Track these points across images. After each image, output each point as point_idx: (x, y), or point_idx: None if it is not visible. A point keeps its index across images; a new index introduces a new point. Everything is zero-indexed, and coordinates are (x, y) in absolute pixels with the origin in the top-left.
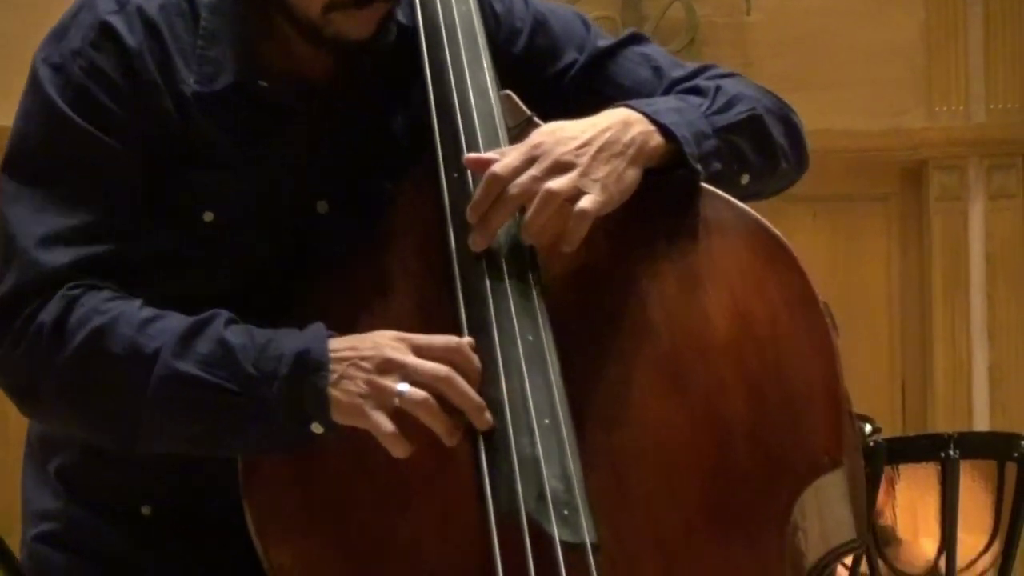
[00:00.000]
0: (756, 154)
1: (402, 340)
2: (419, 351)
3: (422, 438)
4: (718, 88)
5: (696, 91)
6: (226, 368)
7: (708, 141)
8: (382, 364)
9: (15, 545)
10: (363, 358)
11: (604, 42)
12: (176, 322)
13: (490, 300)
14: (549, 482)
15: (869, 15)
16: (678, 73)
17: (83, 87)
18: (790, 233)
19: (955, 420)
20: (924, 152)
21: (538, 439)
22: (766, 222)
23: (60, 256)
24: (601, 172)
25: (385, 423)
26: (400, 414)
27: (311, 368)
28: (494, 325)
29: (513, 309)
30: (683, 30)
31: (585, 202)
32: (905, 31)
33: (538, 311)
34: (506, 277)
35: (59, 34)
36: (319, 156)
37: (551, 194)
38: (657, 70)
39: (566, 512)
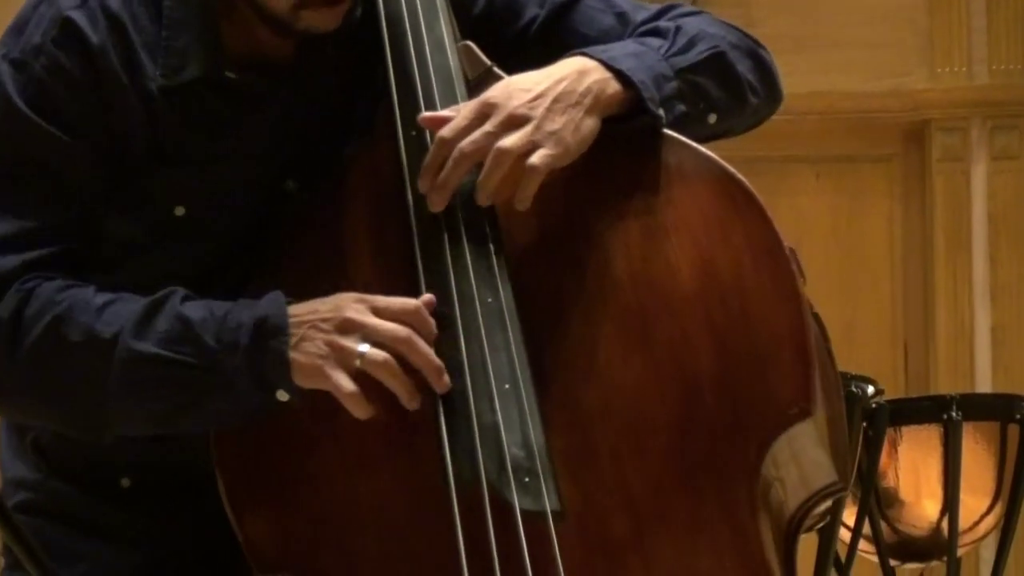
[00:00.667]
0: (722, 92)
1: (362, 301)
2: (379, 312)
3: (385, 404)
4: (678, 28)
5: (656, 32)
6: (187, 343)
7: (669, 83)
8: (342, 324)
9: None
10: (323, 320)
11: None
12: (132, 304)
13: (448, 261)
14: (509, 449)
15: None
16: (642, 16)
17: (44, 85)
18: (793, 194)
19: (957, 381)
20: (926, 113)
21: (498, 405)
22: (730, 168)
23: (12, 260)
24: (557, 124)
25: (346, 383)
26: (362, 376)
27: (271, 333)
28: (453, 287)
29: (471, 269)
30: None
31: (536, 158)
32: None
33: (496, 271)
34: (464, 237)
35: (19, 28)
36: (286, 139)
37: (503, 152)
38: (621, 16)
39: (527, 479)
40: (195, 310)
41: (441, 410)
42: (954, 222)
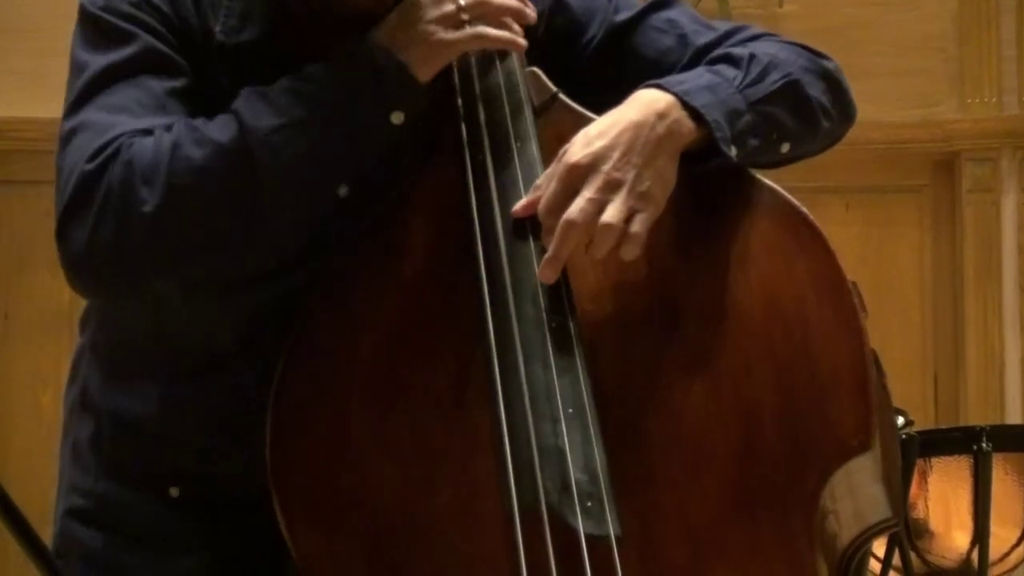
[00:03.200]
0: (796, 120)
1: None
2: None
3: (445, 424)
4: (752, 56)
5: (729, 60)
6: (295, 101)
7: (742, 118)
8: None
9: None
10: (414, 7)
11: (625, 13)
12: (238, 102)
13: (513, 284)
14: (574, 473)
15: (901, 5)
16: (705, 39)
17: (134, 17)
18: (823, 224)
19: (987, 412)
20: (956, 144)
21: (563, 428)
22: (795, 202)
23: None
24: (647, 182)
25: (457, 34)
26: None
27: (379, 48)
28: (515, 315)
29: (539, 295)
30: (714, 20)
31: (638, 225)
32: (937, 21)
33: (563, 295)
34: (533, 261)
35: None
36: None
37: (608, 227)
38: (682, 37)
39: (590, 504)
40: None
41: (505, 431)
42: (984, 253)
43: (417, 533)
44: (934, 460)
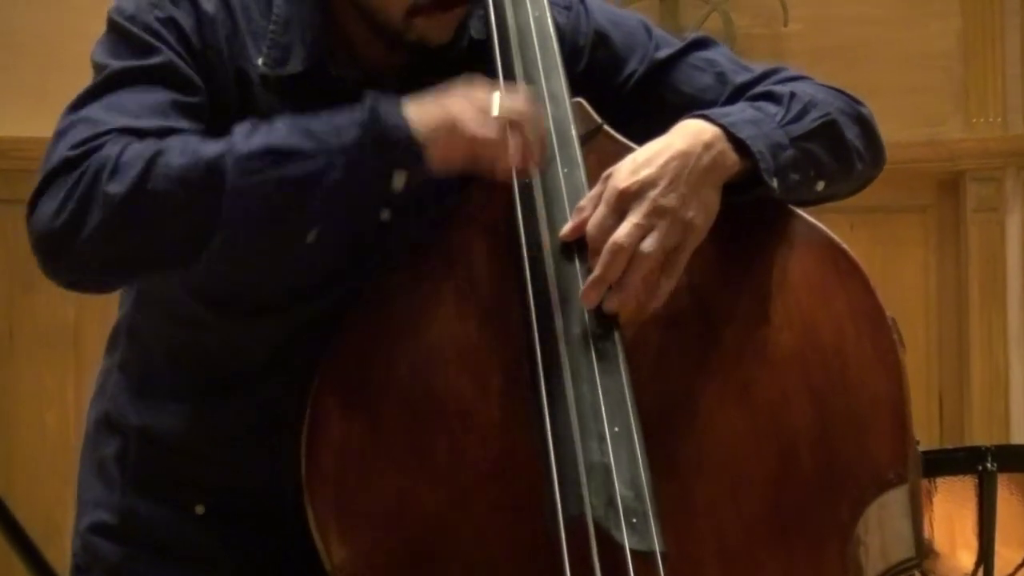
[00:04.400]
0: (832, 159)
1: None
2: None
3: (488, 443)
4: (792, 95)
5: (770, 97)
6: (299, 134)
7: (785, 153)
8: (464, 92)
9: (58, 544)
10: (441, 95)
11: (666, 50)
12: (237, 131)
13: (560, 305)
14: (619, 489)
15: (906, 25)
16: (743, 78)
17: (158, 32)
18: None
19: (992, 432)
20: (961, 163)
21: (609, 446)
22: (835, 236)
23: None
24: (692, 211)
25: (482, 131)
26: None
27: (385, 103)
28: (564, 338)
29: (585, 315)
30: (720, 40)
31: (680, 253)
32: (942, 41)
33: (611, 319)
34: (579, 282)
35: None
36: None
37: (649, 256)
38: (720, 76)
39: (635, 520)
40: (304, 117)
41: (551, 447)
42: (989, 272)
43: (454, 550)
44: (939, 480)
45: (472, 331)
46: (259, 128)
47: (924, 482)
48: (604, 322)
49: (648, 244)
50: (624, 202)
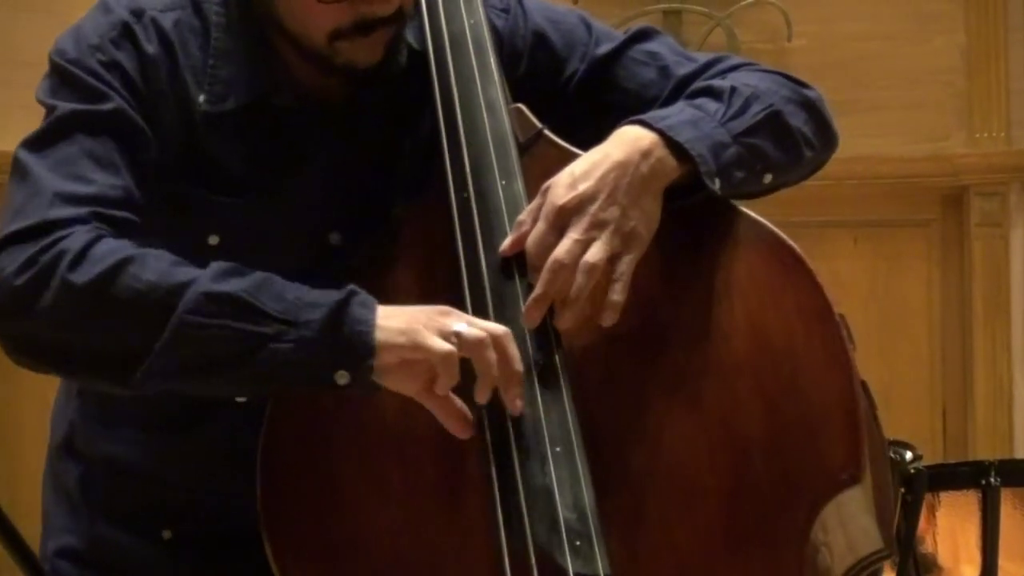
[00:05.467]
0: (778, 150)
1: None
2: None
3: (433, 464)
4: (733, 89)
5: (710, 93)
6: (267, 293)
7: (727, 151)
8: (438, 310)
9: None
10: (416, 309)
11: (606, 46)
12: (213, 265)
13: (497, 322)
14: (562, 512)
15: (909, 40)
16: (685, 70)
17: (99, 75)
18: (831, 258)
19: (996, 446)
20: (965, 178)
21: (551, 468)
22: (780, 233)
23: (83, 210)
24: (632, 221)
25: (442, 345)
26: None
27: (358, 301)
28: None
29: (525, 334)
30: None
31: (624, 265)
32: (946, 56)
33: (550, 332)
34: (519, 298)
35: (75, 32)
36: (334, 189)
37: (593, 267)
38: (663, 69)
39: (578, 543)
40: (281, 279)
41: (493, 471)
42: (993, 287)
43: (407, 573)
44: (942, 495)
45: None
46: (232, 274)
47: (927, 497)
48: (545, 340)
49: (589, 257)
50: (563, 217)
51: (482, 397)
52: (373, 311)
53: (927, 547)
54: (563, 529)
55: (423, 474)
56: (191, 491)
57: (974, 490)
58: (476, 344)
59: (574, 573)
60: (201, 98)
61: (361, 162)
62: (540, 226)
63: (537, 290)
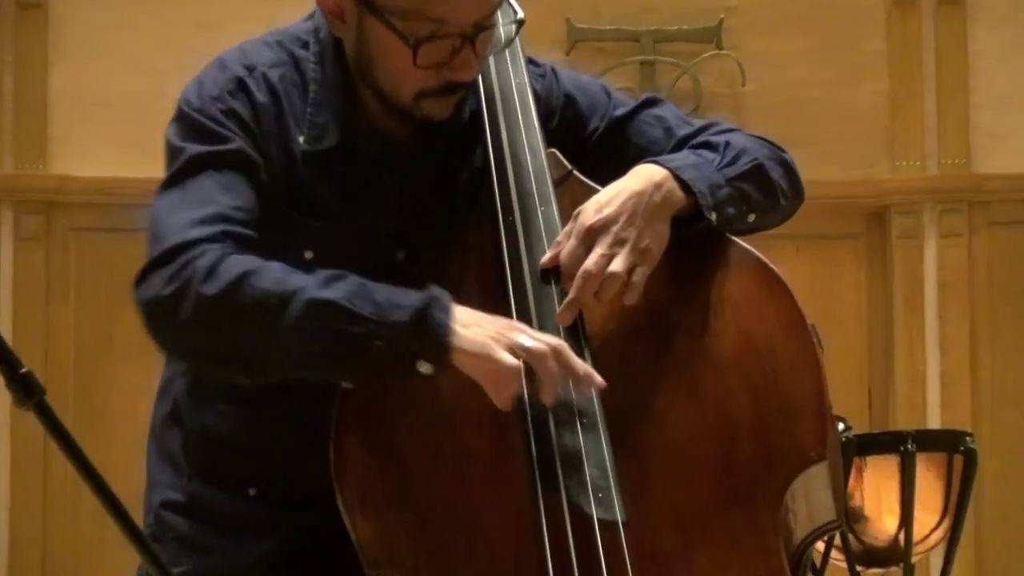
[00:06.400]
0: (761, 196)
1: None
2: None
3: (484, 435)
4: (727, 143)
5: (709, 146)
6: (362, 298)
7: (721, 191)
8: (507, 324)
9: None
10: (489, 319)
11: (623, 109)
12: (318, 272)
13: (538, 322)
14: (588, 471)
15: (843, 84)
16: (685, 131)
17: (221, 121)
18: (776, 264)
19: (912, 419)
20: (887, 199)
21: (580, 436)
22: (765, 259)
23: (215, 228)
24: (646, 240)
25: (509, 358)
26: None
27: (439, 307)
28: None
29: (559, 330)
30: (690, 98)
31: (638, 276)
32: (872, 99)
33: (579, 332)
34: (555, 302)
35: (198, 85)
36: (401, 211)
37: (614, 276)
38: (668, 130)
39: (601, 495)
40: (374, 283)
41: (532, 435)
42: (910, 288)
43: (455, 522)
44: (868, 459)
45: None
46: (334, 280)
47: (856, 460)
48: (576, 336)
49: (613, 268)
50: (591, 236)
51: (548, 400)
52: (451, 316)
53: (856, 502)
54: (589, 484)
55: (471, 440)
56: (271, 457)
57: (894, 455)
58: (540, 357)
59: (597, 519)
60: (301, 139)
61: (424, 193)
62: (572, 242)
63: (571, 295)
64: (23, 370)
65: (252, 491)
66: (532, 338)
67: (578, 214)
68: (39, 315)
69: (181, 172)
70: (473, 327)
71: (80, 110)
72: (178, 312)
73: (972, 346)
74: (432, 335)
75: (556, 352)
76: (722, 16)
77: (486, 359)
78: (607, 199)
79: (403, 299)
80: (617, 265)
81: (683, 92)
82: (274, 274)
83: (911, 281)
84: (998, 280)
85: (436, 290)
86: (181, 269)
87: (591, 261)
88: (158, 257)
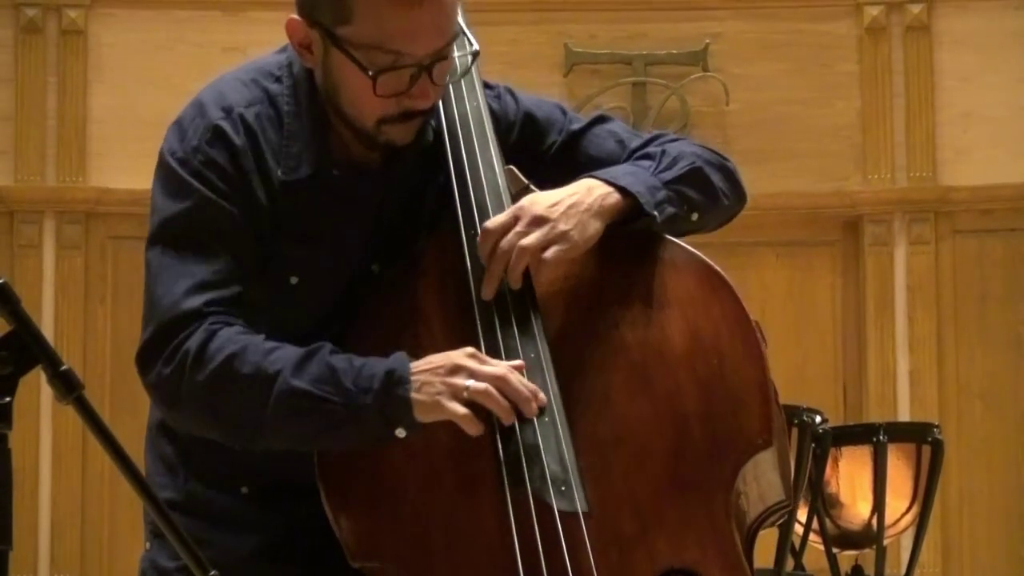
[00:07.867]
0: (701, 196)
1: (471, 355)
2: (481, 361)
3: (454, 437)
4: (663, 151)
5: (646, 156)
6: (331, 384)
7: (659, 192)
8: (451, 368)
9: None
10: (437, 367)
11: (578, 124)
12: (291, 351)
13: (500, 327)
14: (549, 465)
15: (818, 104)
16: (636, 143)
17: (202, 174)
18: (759, 269)
19: (884, 412)
20: (860, 209)
21: (538, 433)
22: (707, 259)
23: (197, 300)
24: (568, 225)
25: (460, 409)
26: (468, 406)
27: (397, 382)
28: (503, 347)
29: (517, 333)
30: (678, 116)
31: (550, 253)
32: (846, 116)
33: (537, 336)
34: (512, 310)
35: (180, 134)
36: (374, 229)
37: (524, 248)
38: (620, 142)
39: (563, 488)
40: (340, 361)
41: (498, 436)
42: (881, 291)
43: (431, 517)
44: (843, 449)
45: (439, 349)
46: (305, 362)
47: (832, 450)
48: (534, 339)
49: (524, 243)
50: (517, 216)
51: (506, 422)
52: (409, 387)
53: (832, 488)
54: (550, 478)
55: (443, 440)
56: (262, 460)
57: (867, 445)
58: (485, 395)
59: (558, 510)
60: (279, 171)
61: (394, 211)
62: (501, 216)
63: (487, 271)
64: (64, 367)
65: (245, 489)
66: (476, 374)
67: (526, 202)
68: (79, 317)
69: (166, 233)
70: (424, 388)
71: (117, 128)
72: (179, 398)
73: (939, 344)
74: (395, 413)
75: (499, 382)
76: (708, 41)
77: (442, 414)
78: (544, 193)
79: (366, 380)
80: (529, 240)
81: (672, 111)
82: (255, 357)
83: (882, 285)
84: (962, 284)
85: (396, 360)
86: (174, 352)
87: (507, 238)
88: (147, 344)
